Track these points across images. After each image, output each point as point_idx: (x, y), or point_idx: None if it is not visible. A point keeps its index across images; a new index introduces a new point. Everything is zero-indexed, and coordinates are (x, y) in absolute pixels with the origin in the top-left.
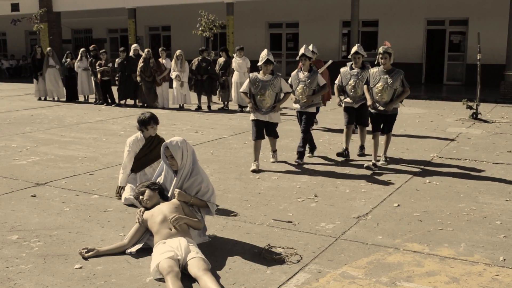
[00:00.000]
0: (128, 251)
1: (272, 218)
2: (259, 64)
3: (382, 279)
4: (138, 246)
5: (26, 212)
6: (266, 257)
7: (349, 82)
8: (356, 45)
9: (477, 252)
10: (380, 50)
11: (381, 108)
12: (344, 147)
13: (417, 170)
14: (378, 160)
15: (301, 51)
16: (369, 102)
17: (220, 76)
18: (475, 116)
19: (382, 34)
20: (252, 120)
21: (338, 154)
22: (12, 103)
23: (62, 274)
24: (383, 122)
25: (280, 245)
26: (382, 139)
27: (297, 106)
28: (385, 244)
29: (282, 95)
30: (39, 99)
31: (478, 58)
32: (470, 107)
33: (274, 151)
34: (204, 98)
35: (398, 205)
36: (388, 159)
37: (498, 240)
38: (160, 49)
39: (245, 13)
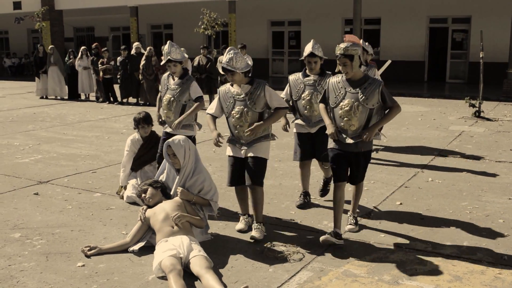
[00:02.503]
0: (131, 249)
1: (274, 216)
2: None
3: (385, 278)
4: (141, 244)
5: (29, 210)
6: (268, 255)
7: (303, 96)
8: (311, 41)
9: (480, 250)
10: (337, 50)
11: (349, 140)
12: (303, 191)
13: (419, 168)
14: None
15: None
16: (329, 131)
17: (220, 74)
18: (477, 114)
19: (384, 32)
20: (229, 156)
21: (299, 206)
22: (15, 101)
23: (64, 272)
24: (351, 164)
25: (283, 243)
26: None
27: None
28: (387, 243)
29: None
30: (41, 97)
31: (480, 56)
32: (473, 105)
33: (258, 220)
34: (205, 96)
35: (401, 204)
36: (357, 218)
37: (501, 238)
38: (162, 47)
39: (247, 11)
